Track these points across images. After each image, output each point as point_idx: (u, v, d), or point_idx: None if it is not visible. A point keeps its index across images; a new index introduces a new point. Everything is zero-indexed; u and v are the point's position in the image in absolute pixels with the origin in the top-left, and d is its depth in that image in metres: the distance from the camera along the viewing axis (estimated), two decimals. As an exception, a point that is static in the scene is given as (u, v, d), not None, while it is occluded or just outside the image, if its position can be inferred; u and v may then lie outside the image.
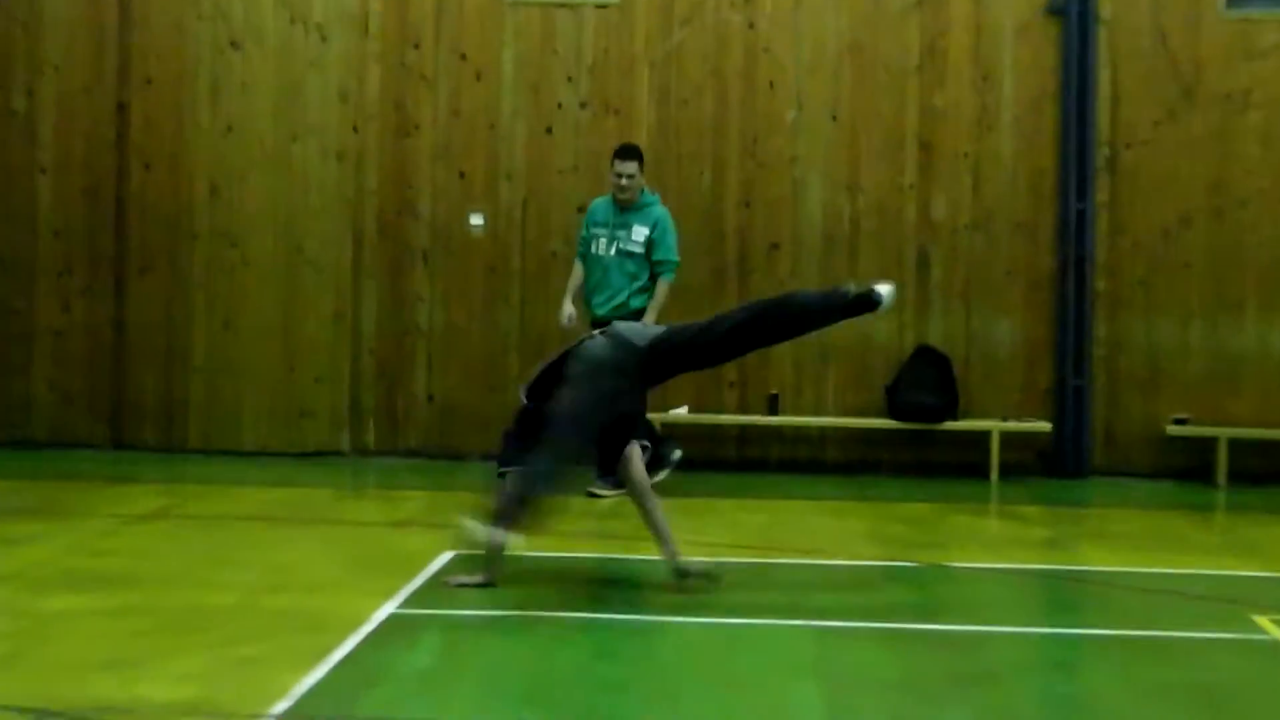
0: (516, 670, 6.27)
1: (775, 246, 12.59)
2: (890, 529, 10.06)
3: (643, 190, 10.89)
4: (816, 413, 12.58)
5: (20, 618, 6.96)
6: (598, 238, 10.89)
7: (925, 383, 12.38)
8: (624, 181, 10.78)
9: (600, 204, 11.03)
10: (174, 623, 6.88)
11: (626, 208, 10.85)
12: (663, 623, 7.12)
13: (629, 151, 10.88)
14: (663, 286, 10.81)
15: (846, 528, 10.06)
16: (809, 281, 12.51)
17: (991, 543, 10.03)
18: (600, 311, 10.71)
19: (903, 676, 6.26)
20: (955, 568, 8.80)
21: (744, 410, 12.61)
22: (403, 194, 12.68)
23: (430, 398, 12.66)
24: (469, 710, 5.73)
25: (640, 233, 10.81)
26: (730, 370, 12.53)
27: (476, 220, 11.72)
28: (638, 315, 10.55)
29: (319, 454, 12.65)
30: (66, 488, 11.05)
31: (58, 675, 5.99)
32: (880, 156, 12.57)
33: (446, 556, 8.43)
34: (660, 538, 7.54)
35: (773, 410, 12.51)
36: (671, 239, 10.86)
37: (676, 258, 10.86)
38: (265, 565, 8.24)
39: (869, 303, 7.54)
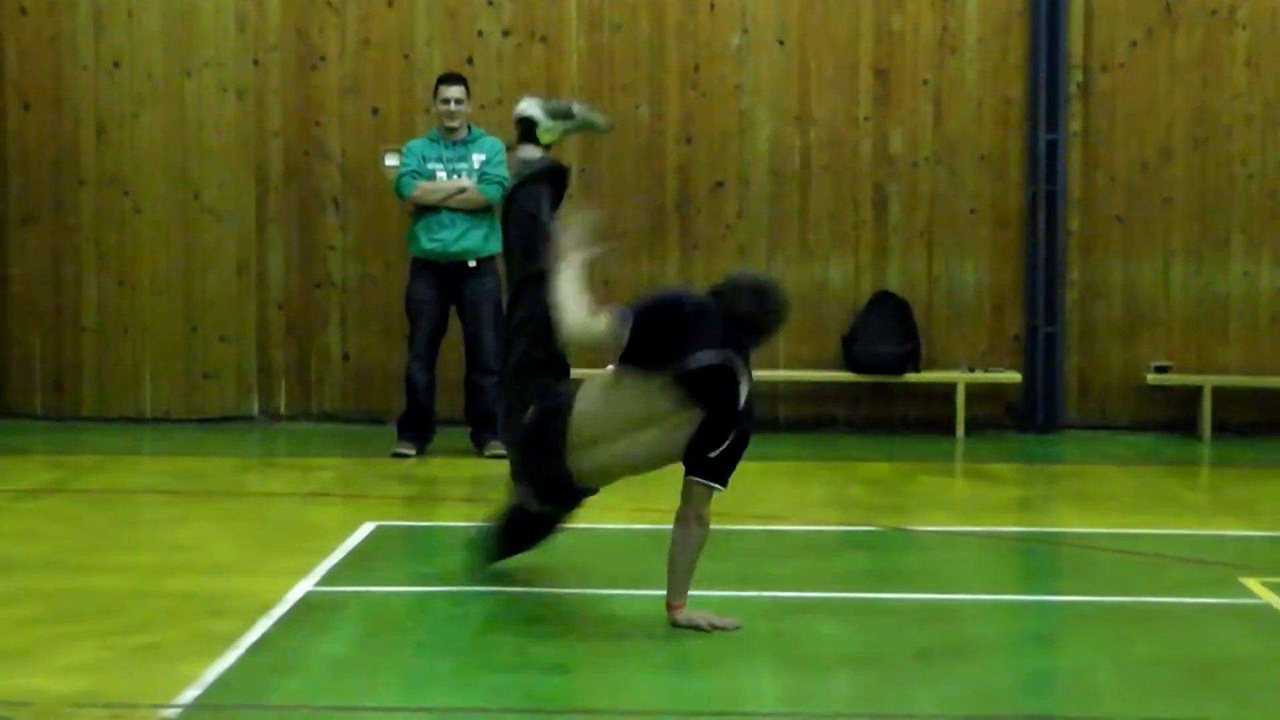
0: (444, 652, 6.22)
1: (720, 185, 12.53)
2: (849, 491, 10.06)
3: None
4: (767, 367, 12.53)
5: (-109, 607, 6.85)
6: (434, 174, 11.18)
7: (884, 332, 12.38)
8: (453, 108, 11.10)
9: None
10: (64, 609, 6.79)
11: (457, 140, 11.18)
12: (604, 596, 7.09)
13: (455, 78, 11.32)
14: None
15: (802, 491, 10.06)
16: (756, 222, 12.46)
17: (959, 505, 10.06)
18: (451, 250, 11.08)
19: (866, 652, 6.25)
20: (920, 532, 8.81)
21: (689, 364, 12.55)
22: (310, 133, 12.53)
23: (346, 356, 12.55)
24: (392, 697, 5.69)
25: (479, 162, 11.11)
26: (673, 321, 12.46)
27: (391, 161, 11.59)
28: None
29: (226, 419, 12.52)
30: (-56, 462, 10.91)
31: (-65, 669, 5.90)
32: (833, 85, 12.52)
33: (365, 530, 8.36)
34: None
35: (720, 364, 12.46)
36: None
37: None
38: (165, 544, 8.16)
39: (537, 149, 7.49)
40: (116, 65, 12.53)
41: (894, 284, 12.52)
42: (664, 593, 6.50)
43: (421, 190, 11.01)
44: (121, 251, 12.59)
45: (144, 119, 12.54)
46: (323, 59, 12.52)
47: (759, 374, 12.30)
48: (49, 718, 5.30)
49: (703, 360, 6.40)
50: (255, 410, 12.61)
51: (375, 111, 12.50)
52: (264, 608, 6.71)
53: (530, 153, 7.41)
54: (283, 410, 12.57)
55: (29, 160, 12.58)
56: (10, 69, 12.56)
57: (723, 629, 6.39)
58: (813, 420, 12.55)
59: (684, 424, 6.45)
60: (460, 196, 10.98)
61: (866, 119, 12.51)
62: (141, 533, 8.47)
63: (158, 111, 12.54)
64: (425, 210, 11.04)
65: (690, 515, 6.45)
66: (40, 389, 12.66)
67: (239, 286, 12.57)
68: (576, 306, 6.65)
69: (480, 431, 11.13)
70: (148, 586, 7.17)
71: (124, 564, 7.65)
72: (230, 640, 6.21)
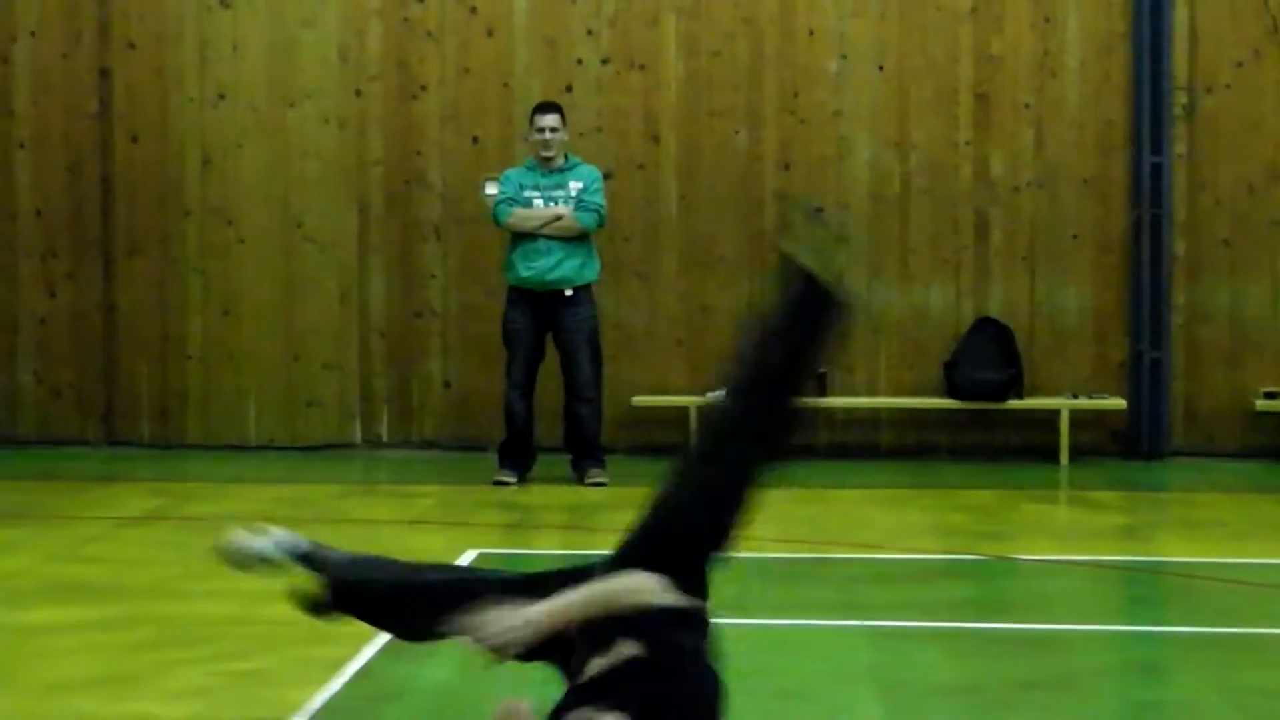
0: (547, 682, 6.25)
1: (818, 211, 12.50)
2: (951, 519, 10.02)
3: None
4: (869, 393, 12.53)
5: (1, 632, 6.97)
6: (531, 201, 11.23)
7: (986, 358, 12.32)
8: (548, 136, 11.15)
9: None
10: (169, 635, 6.89)
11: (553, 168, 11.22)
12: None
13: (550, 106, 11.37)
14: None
15: (903, 518, 10.03)
16: (856, 247, 12.42)
17: (1062, 532, 9.99)
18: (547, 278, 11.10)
19: (967, 681, 6.23)
20: (1022, 561, 8.76)
21: (789, 391, 12.53)
22: (410, 162, 12.66)
23: (446, 384, 12.65)
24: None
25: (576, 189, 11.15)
26: (773, 348, 12.46)
27: (491, 189, 11.68)
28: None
29: (328, 447, 12.65)
30: (52, 489, 11.09)
31: (46, 694, 6.02)
32: (932, 109, 12.49)
33: (467, 557, 8.42)
34: None
35: (821, 390, 12.45)
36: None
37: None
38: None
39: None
40: (221, 97, 12.72)
41: (996, 309, 12.47)
42: (768, 621, 6.49)
43: (517, 217, 11.09)
44: (226, 281, 12.75)
45: (247, 150, 12.71)
46: (423, 88, 12.64)
47: (861, 400, 12.33)
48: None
49: None
50: (357, 437, 12.73)
51: (475, 140, 12.61)
52: (367, 635, 6.74)
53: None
54: (384, 437, 12.68)
55: (136, 191, 12.79)
56: (118, 102, 12.77)
57: None
58: (914, 447, 12.51)
59: None
60: (556, 224, 11.04)
61: (967, 143, 12.48)
62: (246, 560, 8.55)
63: (261, 142, 12.71)
64: (522, 238, 11.11)
65: None
66: (147, 416, 12.84)
67: (341, 315, 12.70)
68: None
69: (580, 459, 11.19)
70: (251, 613, 7.25)
71: (228, 590, 7.70)
72: (334, 667, 6.28)
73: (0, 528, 9.52)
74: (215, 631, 6.91)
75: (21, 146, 12.82)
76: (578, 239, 11.10)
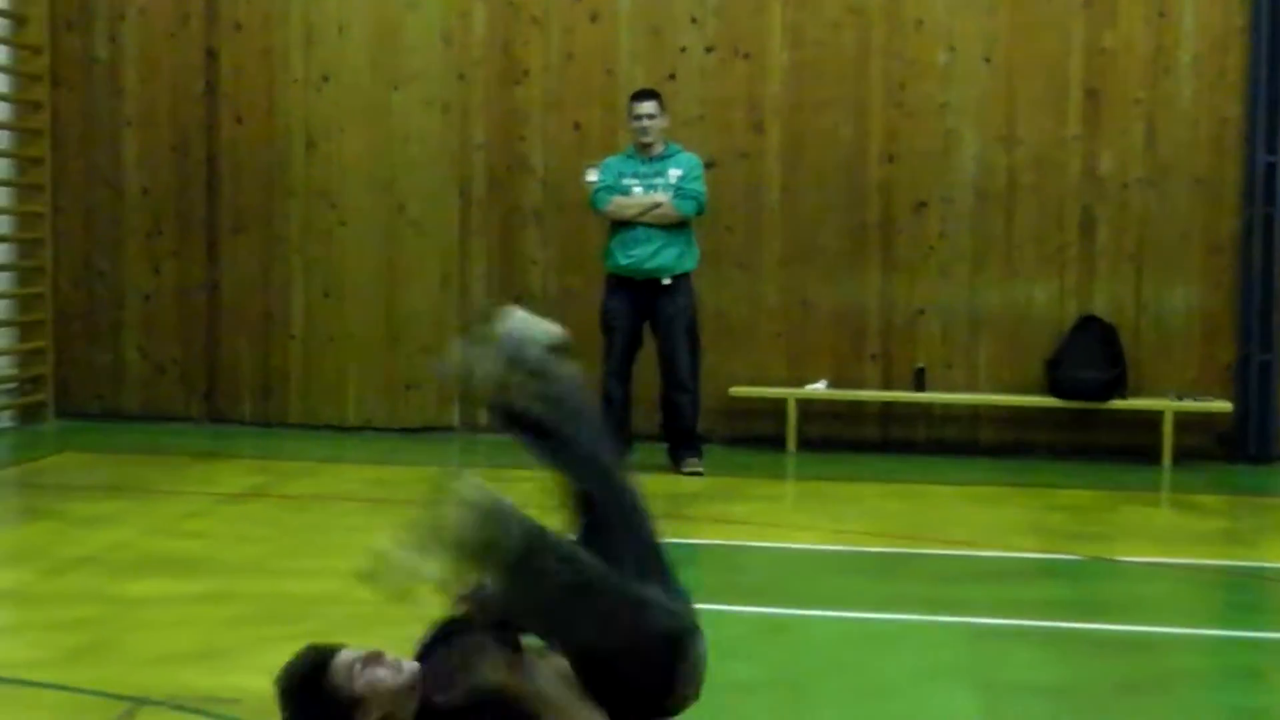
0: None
1: (923, 205, 12.45)
2: (1049, 519, 9.93)
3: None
4: (968, 389, 12.43)
5: (103, 603, 7.09)
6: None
7: (1090, 357, 12.19)
8: (646, 124, 11.13)
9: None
10: (267, 611, 6.95)
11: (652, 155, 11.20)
12: (797, 617, 7.07)
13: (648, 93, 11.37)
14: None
15: (1001, 516, 9.94)
16: (959, 243, 12.34)
17: (1163, 535, 9.86)
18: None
19: (1064, 682, 6.16)
20: (1122, 562, 8.66)
21: (888, 385, 12.49)
22: (513, 147, 12.69)
23: (544, 370, 12.64)
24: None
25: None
26: (872, 341, 12.42)
27: (592, 176, 11.67)
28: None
29: (426, 429, 12.72)
30: (154, 463, 11.22)
31: (148, 664, 6.12)
32: (1041, 104, 12.37)
33: (560, 543, 8.41)
34: None
35: (919, 386, 12.39)
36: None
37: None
38: (363, 550, 8.28)
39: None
40: (326, 79, 12.80)
41: (1100, 308, 12.33)
42: (863, 615, 6.46)
43: (616, 205, 11.08)
44: (328, 262, 12.85)
45: (351, 133, 12.79)
46: (526, 73, 12.66)
47: (960, 396, 12.24)
48: (257, 715, 5.42)
49: None
50: (456, 421, 12.78)
51: (577, 126, 12.62)
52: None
53: None
54: (483, 422, 12.71)
55: (241, 172, 12.91)
56: (224, 83, 12.89)
57: None
58: (1013, 445, 12.40)
59: None
60: (655, 212, 11.03)
61: (1075, 139, 12.34)
62: (341, 538, 8.61)
63: (364, 125, 12.78)
64: (620, 226, 11.11)
65: None
66: (248, 394, 12.97)
67: (441, 299, 12.76)
68: None
69: (677, 448, 11.18)
70: (346, 592, 7.27)
71: (323, 569, 7.78)
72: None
73: (103, 500, 9.67)
74: (310, 609, 6.96)
75: (129, 125, 12.98)
76: (677, 227, 11.08)
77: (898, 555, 8.46)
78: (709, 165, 11.60)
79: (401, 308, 12.79)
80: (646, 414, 11.55)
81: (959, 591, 7.63)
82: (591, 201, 11.30)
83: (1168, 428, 12.03)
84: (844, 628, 6.44)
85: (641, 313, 11.16)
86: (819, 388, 12.37)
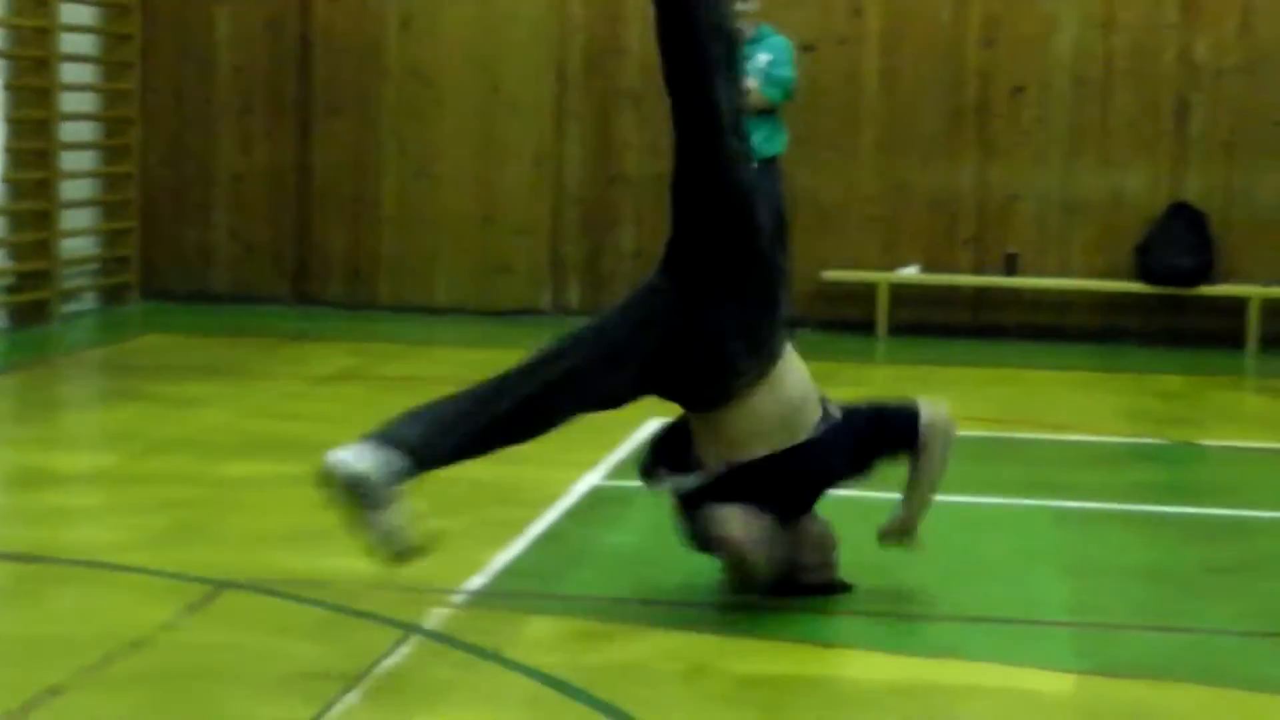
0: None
1: (1019, 90, 12.30)
2: (1139, 403, 9.89)
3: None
4: (1060, 274, 12.35)
5: (198, 485, 7.15)
6: None
7: (1180, 243, 12.08)
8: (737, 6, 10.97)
9: None
10: (362, 491, 6.99)
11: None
12: (888, 501, 7.08)
13: None
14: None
15: (1091, 401, 9.91)
16: (1055, 129, 12.20)
17: (1252, 420, 9.81)
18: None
19: (1153, 564, 6.17)
20: (1210, 446, 8.63)
21: (980, 270, 12.42)
22: (611, 29, 12.61)
23: (638, 253, 12.64)
24: (679, 592, 5.74)
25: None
26: (965, 225, 12.35)
27: (688, 58, 11.60)
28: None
29: (517, 312, 12.74)
30: (246, 345, 11.29)
31: (239, 546, 6.17)
32: (1139, -11, 12.19)
33: (651, 425, 8.45)
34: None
35: (1011, 270, 12.31)
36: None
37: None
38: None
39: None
40: (422, -43, 12.73)
41: (1192, 195, 12.20)
42: (955, 498, 6.43)
43: None
44: (422, 143, 12.84)
45: (448, 11, 12.73)
46: (622, -44, 12.56)
47: (1051, 281, 12.16)
48: (347, 598, 5.49)
49: None
50: (547, 304, 12.81)
51: (672, 9, 12.49)
52: (552, 499, 6.86)
53: None
54: (574, 305, 12.74)
55: (335, 52, 12.89)
56: (319, -38, 12.86)
57: None
58: (1102, 330, 12.32)
59: None
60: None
61: (1171, 26, 12.15)
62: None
63: (463, 4, 12.71)
64: None
65: None
66: (338, 277, 13.03)
67: (535, 180, 12.75)
68: None
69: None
70: (439, 473, 7.35)
71: (420, 448, 7.83)
72: (518, 529, 6.36)
73: (197, 382, 9.74)
74: (404, 491, 7.01)
75: (221, 2, 12.95)
76: (764, 112, 10.99)
77: (990, 439, 8.45)
78: (807, 49, 11.45)
79: (495, 189, 12.79)
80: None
81: (1051, 475, 7.63)
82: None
83: (1254, 314, 11.94)
84: (937, 511, 6.43)
85: None
86: (911, 272, 12.31)
